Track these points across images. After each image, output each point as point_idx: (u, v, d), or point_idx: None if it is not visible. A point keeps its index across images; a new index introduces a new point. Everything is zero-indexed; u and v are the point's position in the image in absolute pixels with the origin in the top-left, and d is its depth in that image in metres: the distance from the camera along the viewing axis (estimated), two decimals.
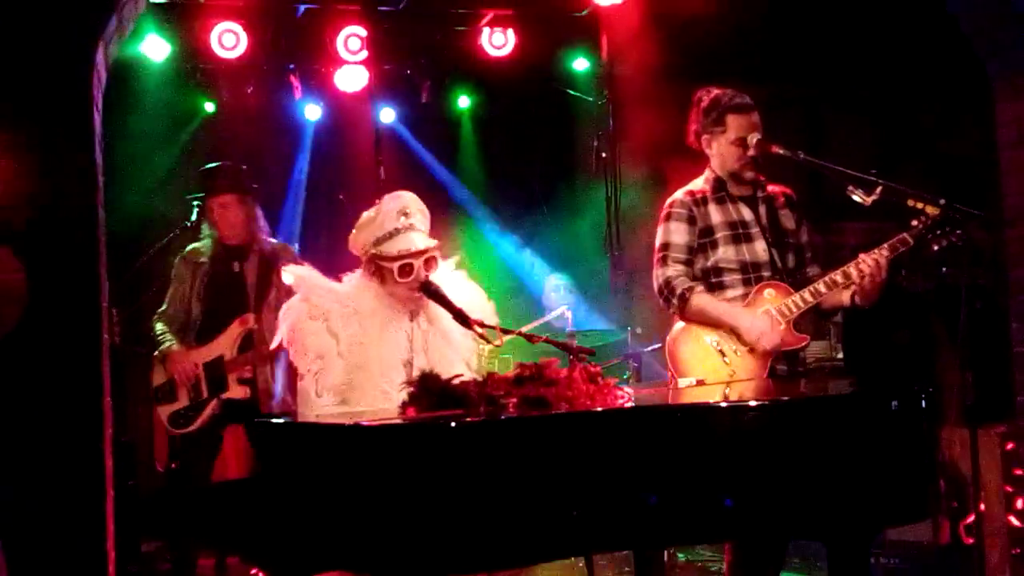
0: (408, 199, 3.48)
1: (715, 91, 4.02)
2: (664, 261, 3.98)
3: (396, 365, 3.41)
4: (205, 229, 4.93)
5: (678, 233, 3.98)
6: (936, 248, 3.73)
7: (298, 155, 7.21)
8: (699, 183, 4.06)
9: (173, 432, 4.80)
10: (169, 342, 4.77)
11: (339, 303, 3.42)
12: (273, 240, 5.04)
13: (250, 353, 4.79)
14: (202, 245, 4.91)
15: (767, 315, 3.85)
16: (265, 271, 4.89)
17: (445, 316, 3.48)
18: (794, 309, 3.86)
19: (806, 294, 3.87)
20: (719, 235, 3.95)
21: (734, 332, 3.86)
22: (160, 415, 4.80)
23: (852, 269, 3.83)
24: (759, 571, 3.85)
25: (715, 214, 3.97)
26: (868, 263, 3.81)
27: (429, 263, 3.43)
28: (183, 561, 4.78)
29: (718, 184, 4.01)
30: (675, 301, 3.92)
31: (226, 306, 4.83)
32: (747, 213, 3.99)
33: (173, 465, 5.23)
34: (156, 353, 4.79)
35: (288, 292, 4.81)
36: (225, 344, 4.80)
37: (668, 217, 4.02)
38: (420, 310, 3.50)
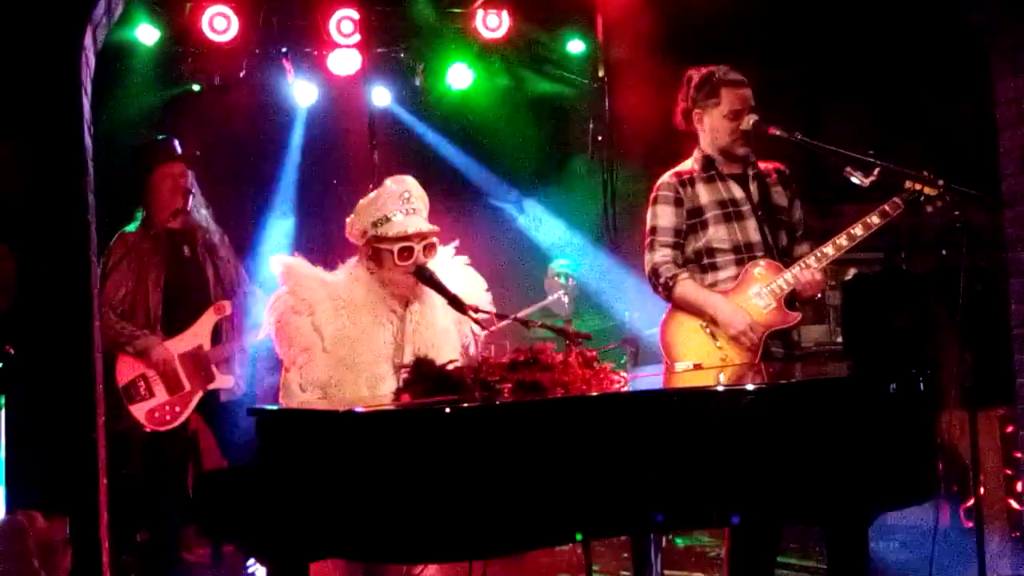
0: (410, 183, 3.46)
1: (708, 68, 3.99)
2: (652, 246, 3.96)
3: (380, 361, 3.39)
4: (141, 220, 4.72)
5: (664, 216, 3.95)
6: (930, 210, 3.69)
7: (289, 140, 7.14)
8: (688, 164, 4.04)
9: (154, 429, 4.60)
10: (139, 335, 4.56)
11: (328, 296, 3.39)
12: (215, 226, 4.87)
13: (233, 342, 4.72)
14: (135, 229, 4.69)
15: (750, 307, 3.82)
16: (212, 255, 4.79)
17: (438, 307, 3.45)
18: (785, 287, 3.83)
19: (796, 270, 3.84)
20: (709, 215, 3.92)
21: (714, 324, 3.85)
22: (135, 414, 4.57)
23: (842, 239, 3.81)
24: (757, 556, 3.84)
25: (704, 194, 3.94)
26: (858, 229, 3.79)
27: (428, 249, 3.41)
28: (166, 552, 4.72)
29: (707, 163, 3.98)
30: (660, 289, 3.92)
31: (187, 294, 4.69)
32: (738, 191, 3.95)
33: (124, 471, 4.98)
34: (130, 348, 4.56)
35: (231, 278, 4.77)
36: (201, 334, 4.68)
37: (655, 200, 4.00)
38: (414, 300, 3.47)
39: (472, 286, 3.56)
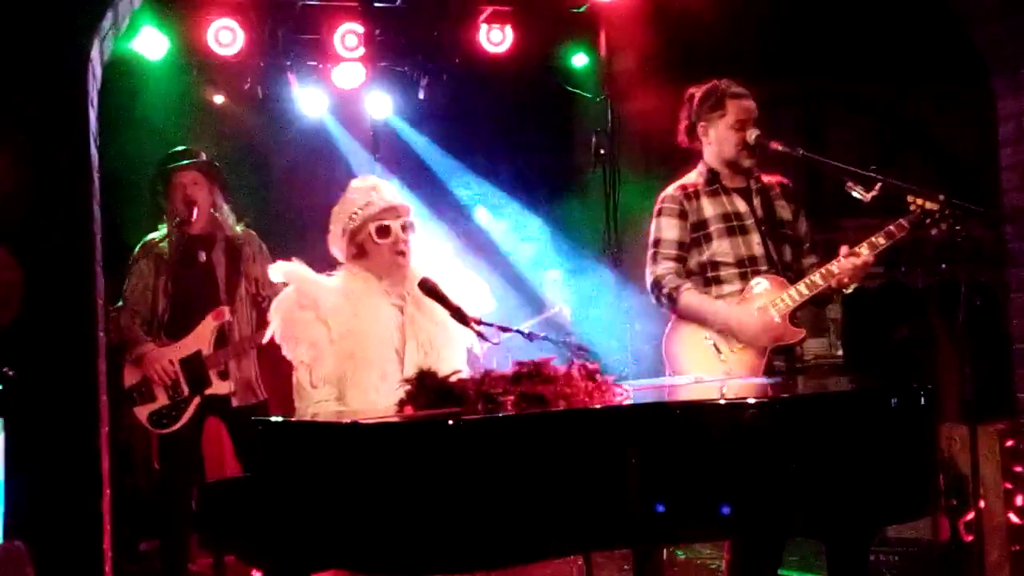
0: (375, 179, 3.55)
1: (710, 82, 4.01)
2: (655, 258, 3.97)
3: (388, 353, 3.40)
4: (165, 228, 4.76)
5: (668, 229, 3.96)
6: (934, 233, 3.70)
7: (293, 152, 7.17)
8: (692, 176, 4.05)
9: (155, 432, 4.67)
10: (139, 342, 4.63)
11: (330, 290, 3.42)
12: (238, 228, 4.90)
13: (229, 347, 4.72)
14: (160, 236, 4.76)
15: (760, 311, 3.83)
16: (233, 260, 4.80)
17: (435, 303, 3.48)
18: (790, 303, 3.83)
19: (801, 287, 3.84)
20: (713, 228, 3.93)
21: (725, 330, 3.85)
22: (138, 416, 4.65)
23: (846, 258, 3.80)
24: (758, 569, 3.84)
25: (708, 207, 3.95)
26: (863, 250, 3.78)
27: (406, 228, 3.46)
28: (175, 561, 4.72)
29: (712, 176, 3.99)
30: (664, 300, 3.93)
31: (196, 299, 4.72)
32: (741, 205, 3.96)
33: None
34: (129, 353, 4.63)
35: (258, 283, 4.82)
36: (201, 339, 4.69)
37: (659, 213, 4.00)
38: (408, 294, 3.49)
39: (473, 287, 3.57)
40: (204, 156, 4.89)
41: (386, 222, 3.43)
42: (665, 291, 3.91)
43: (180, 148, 4.92)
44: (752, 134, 3.90)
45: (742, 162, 3.95)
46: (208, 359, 4.69)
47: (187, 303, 4.72)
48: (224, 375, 4.71)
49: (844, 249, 3.82)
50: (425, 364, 3.31)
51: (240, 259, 4.81)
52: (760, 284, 3.87)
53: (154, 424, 4.65)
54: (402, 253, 3.46)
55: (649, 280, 3.99)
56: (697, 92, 4.04)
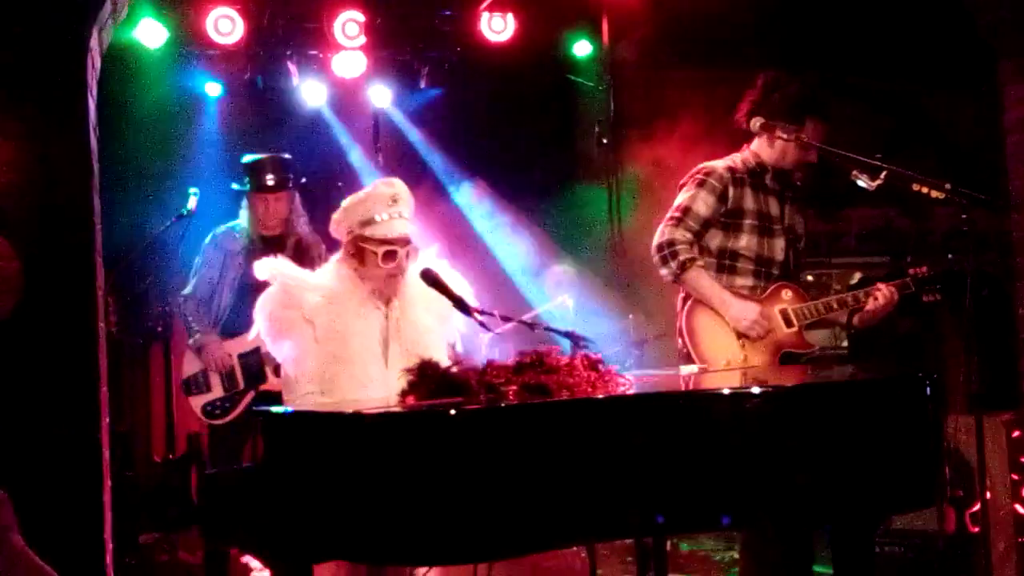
0: (399, 186, 3.48)
1: (795, 84, 3.92)
2: (676, 223, 3.89)
3: (372, 353, 3.41)
4: (243, 218, 4.84)
5: (704, 204, 3.90)
6: (925, 300, 3.88)
7: (292, 142, 7.15)
8: (738, 159, 3.99)
9: (208, 422, 4.74)
10: (202, 331, 4.72)
11: (315, 290, 3.43)
12: (308, 230, 4.95)
13: None
14: (237, 231, 4.83)
15: (780, 313, 3.85)
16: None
17: (419, 305, 3.49)
18: (808, 316, 3.88)
19: (820, 306, 3.90)
20: (746, 222, 3.91)
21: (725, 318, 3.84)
22: (192, 405, 4.74)
23: (864, 296, 3.86)
24: (776, 563, 3.78)
25: (750, 199, 3.93)
26: (884, 295, 3.84)
27: (409, 254, 3.46)
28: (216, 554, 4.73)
29: (759, 169, 3.96)
30: (673, 265, 3.86)
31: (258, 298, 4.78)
32: (775, 208, 3.98)
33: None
34: (190, 342, 4.74)
35: None
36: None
37: (700, 184, 3.92)
38: (394, 296, 3.49)
39: (457, 286, 3.56)
40: (282, 167, 4.87)
41: (395, 248, 3.41)
42: (679, 258, 3.83)
43: (263, 157, 4.89)
44: (813, 154, 3.89)
45: (793, 177, 3.96)
46: (266, 355, 4.69)
47: (251, 299, 4.72)
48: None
49: (875, 288, 3.91)
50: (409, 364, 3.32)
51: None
52: (785, 290, 3.91)
53: (208, 415, 4.73)
54: (396, 274, 3.46)
55: (661, 239, 3.89)
56: (783, 89, 3.92)
